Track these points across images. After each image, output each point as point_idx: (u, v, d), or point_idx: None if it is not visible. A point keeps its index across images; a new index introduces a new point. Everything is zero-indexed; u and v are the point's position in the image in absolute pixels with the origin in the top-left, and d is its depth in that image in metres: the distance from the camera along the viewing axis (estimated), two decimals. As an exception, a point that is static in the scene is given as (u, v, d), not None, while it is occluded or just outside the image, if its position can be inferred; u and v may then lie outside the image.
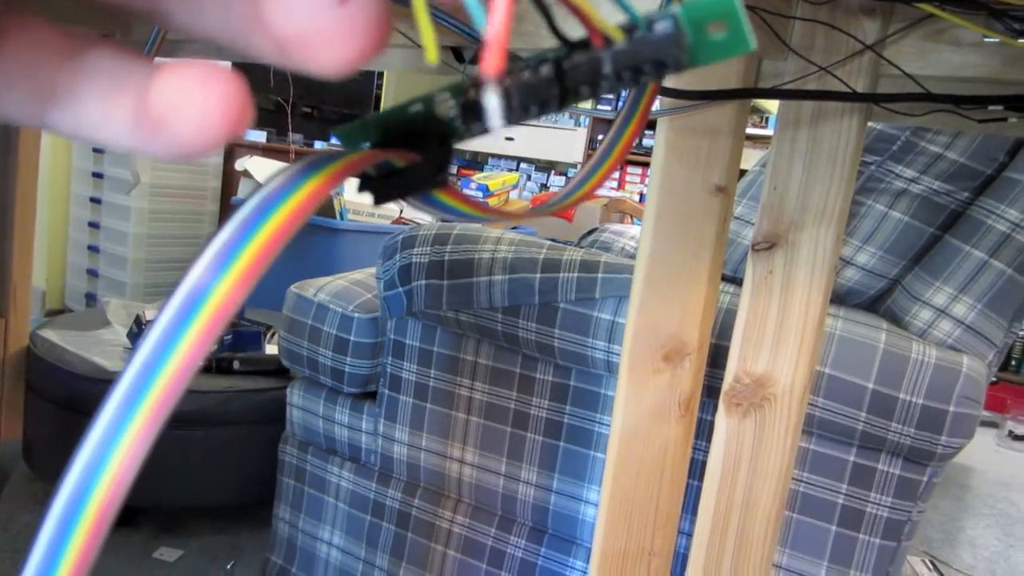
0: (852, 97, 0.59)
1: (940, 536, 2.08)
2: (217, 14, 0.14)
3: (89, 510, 0.13)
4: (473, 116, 0.16)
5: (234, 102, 0.14)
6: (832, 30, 0.63)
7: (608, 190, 4.82)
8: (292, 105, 3.47)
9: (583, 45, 0.15)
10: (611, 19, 0.15)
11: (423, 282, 1.08)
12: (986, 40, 0.63)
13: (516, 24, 0.65)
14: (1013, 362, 3.65)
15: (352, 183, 0.17)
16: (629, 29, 0.15)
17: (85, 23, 0.97)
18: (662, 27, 0.15)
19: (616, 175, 4.85)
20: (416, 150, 0.16)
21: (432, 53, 0.13)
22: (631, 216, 3.72)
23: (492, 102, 0.14)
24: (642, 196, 4.71)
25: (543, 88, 0.15)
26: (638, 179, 4.78)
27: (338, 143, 0.17)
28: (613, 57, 0.15)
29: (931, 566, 1.89)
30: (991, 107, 0.59)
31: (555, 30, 0.15)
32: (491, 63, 0.13)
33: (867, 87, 0.63)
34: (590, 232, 1.87)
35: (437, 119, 0.16)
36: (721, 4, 0.14)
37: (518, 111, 0.15)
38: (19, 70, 0.14)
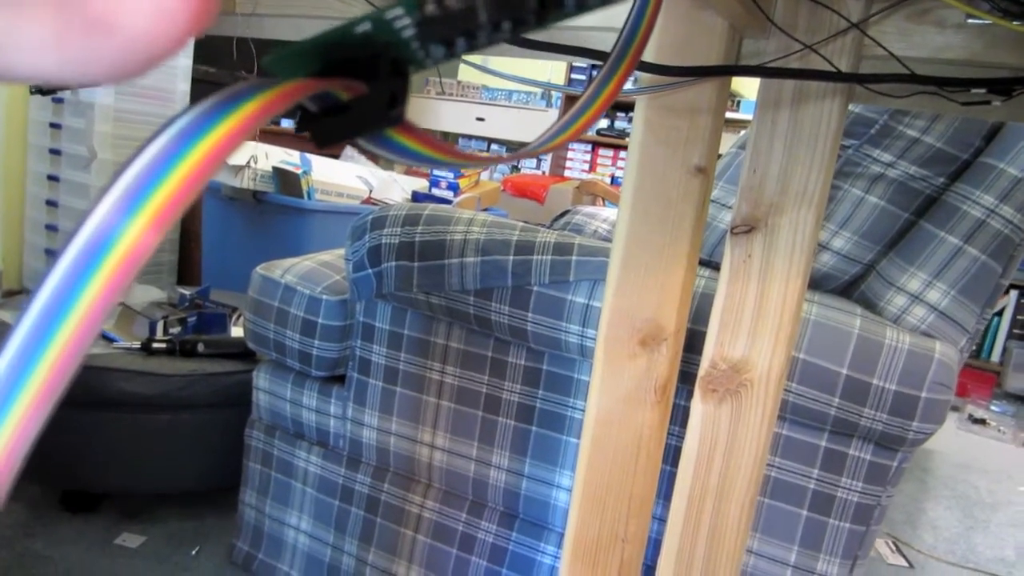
0: (836, 77, 0.57)
1: (902, 518, 2.11)
2: None
3: None
4: (434, 35, 0.13)
5: None
6: (816, 7, 0.61)
7: (580, 172, 4.81)
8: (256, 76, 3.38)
9: None
10: None
11: (393, 264, 1.05)
12: (969, 21, 0.62)
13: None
14: (974, 347, 3.72)
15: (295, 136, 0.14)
16: None
17: None
18: None
19: (588, 157, 4.83)
20: (365, 80, 0.14)
21: None
22: (603, 198, 3.71)
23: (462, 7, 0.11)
24: (614, 178, 4.71)
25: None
26: (610, 161, 4.77)
27: (271, 72, 0.14)
28: None
29: (894, 547, 1.92)
30: (974, 90, 0.59)
31: None
32: None
33: (850, 67, 0.62)
34: (562, 214, 1.86)
35: (389, 42, 0.14)
36: None
37: (489, 27, 0.13)
38: None
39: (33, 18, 0.11)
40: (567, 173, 4.85)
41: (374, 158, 3.19)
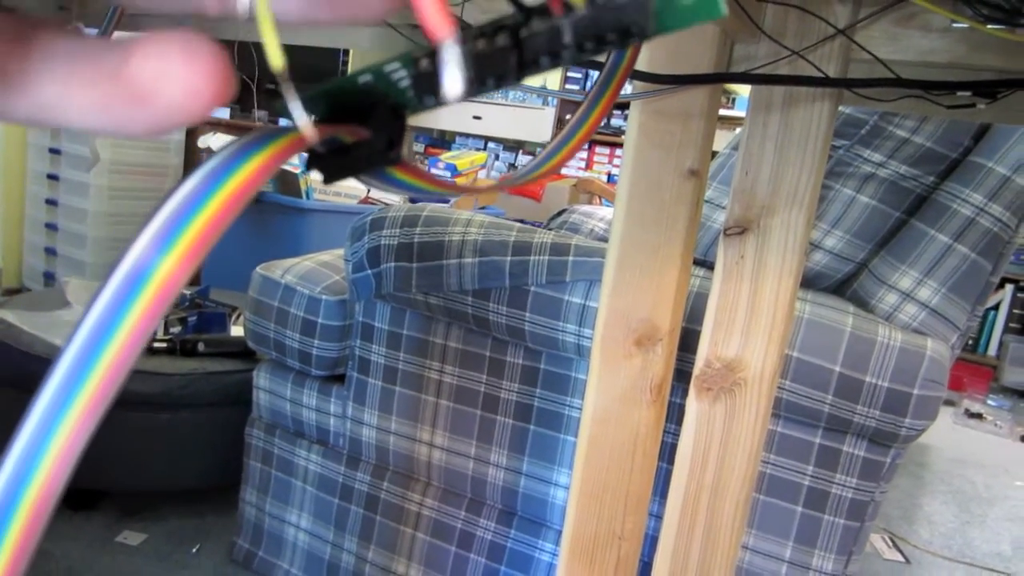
0: (824, 82, 0.59)
1: (898, 513, 2.13)
2: None
3: (25, 504, 0.12)
4: (426, 87, 0.15)
5: (217, 69, 0.13)
6: (804, 14, 0.62)
7: (576, 170, 4.82)
8: (257, 81, 3.40)
9: (542, 11, 0.14)
10: None
11: (392, 264, 1.06)
12: (954, 25, 0.63)
13: None
14: (970, 341, 3.74)
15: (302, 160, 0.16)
16: None
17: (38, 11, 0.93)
18: None
19: (584, 155, 4.84)
20: (366, 125, 0.15)
21: (277, 61, 0.13)
22: (599, 196, 3.72)
23: (451, 68, 0.12)
24: (610, 176, 4.71)
25: (499, 58, 0.14)
26: (606, 159, 4.77)
27: (283, 116, 0.16)
28: (574, 24, 0.14)
29: (890, 543, 1.94)
30: (960, 93, 0.60)
31: None
32: (440, 24, 0.12)
33: (838, 72, 0.63)
34: (559, 213, 1.87)
35: (388, 91, 0.15)
36: None
37: (474, 83, 0.14)
38: None
39: (85, 86, 0.13)
40: (564, 171, 4.86)
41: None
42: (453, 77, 0.12)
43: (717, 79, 0.59)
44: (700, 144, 0.66)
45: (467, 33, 0.14)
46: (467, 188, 0.19)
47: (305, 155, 0.15)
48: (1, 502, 0.12)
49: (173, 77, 0.13)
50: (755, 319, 0.67)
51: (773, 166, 0.65)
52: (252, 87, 3.46)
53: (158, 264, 0.12)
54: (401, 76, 0.15)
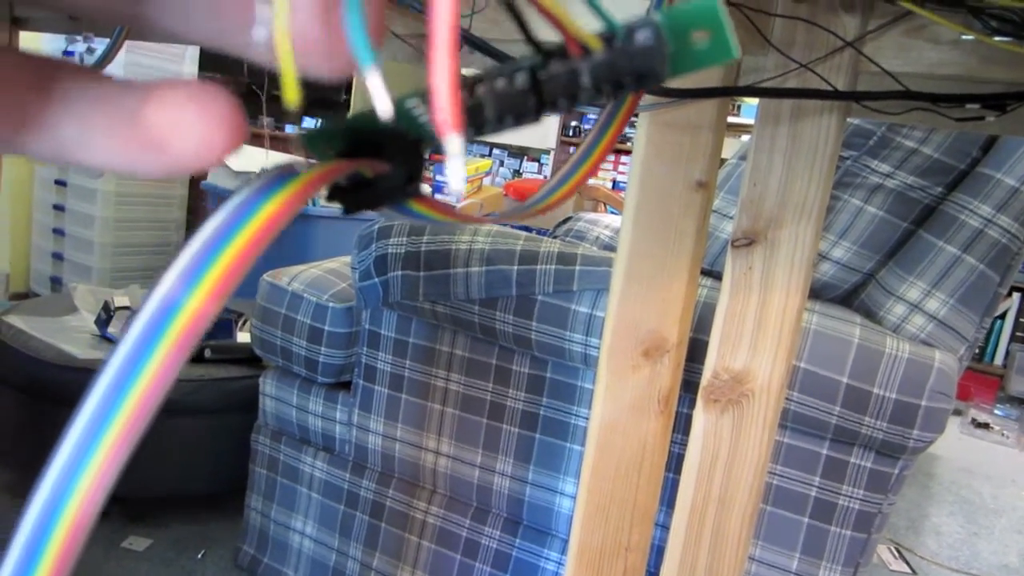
0: (832, 95, 0.59)
1: (905, 524, 2.12)
2: (206, 19, 0.13)
3: (59, 533, 0.12)
4: None
5: (231, 121, 0.13)
6: (813, 27, 0.63)
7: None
8: (265, 89, 3.41)
9: (560, 54, 0.14)
10: (589, 27, 0.14)
11: (399, 273, 1.07)
12: (963, 38, 0.63)
13: (490, 26, 0.64)
14: (977, 350, 3.73)
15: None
16: (608, 38, 0.14)
17: (51, 24, 0.94)
18: (643, 36, 0.14)
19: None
20: (386, 159, 0.16)
21: (292, 96, 0.13)
22: (604, 203, 3.72)
23: (453, 161, 0.13)
24: (615, 183, 4.72)
25: (518, 99, 0.14)
26: (611, 166, 4.78)
27: (306, 149, 0.16)
28: (591, 68, 0.14)
29: (897, 554, 1.93)
30: (968, 105, 0.60)
31: (529, 37, 0.14)
32: (447, 121, 0.12)
33: (847, 84, 0.63)
34: (564, 220, 1.87)
35: (407, 126, 0.16)
36: (705, 12, 0.14)
37: (493, 122, 0.15)
38: None
39: (102, 128, 0.14)
40: (568, 197, 4.85)
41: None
42: (455, 169, 0.13)
43: (725, 92, 0.59)
44: (708, 156, 0.66)
45: (488, 73, 0.14)
46: (478, 219, 0.19)
47: (326, 190, 0.15)
48: (36, 535, 0.12)
49: (187, 128, 0.13)
50: (763, 331, 0.67)
51: (781, 178, 0.65)
52: (260, 95, 3.47)
53: (186, 300, 0.12)
54: (420, 112, 0.15)
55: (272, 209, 0.13)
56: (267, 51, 0.13)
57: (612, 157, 4.78)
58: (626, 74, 0.14)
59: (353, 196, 0.16)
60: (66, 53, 2.69)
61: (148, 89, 0.14)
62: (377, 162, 0.16)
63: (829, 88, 0.59)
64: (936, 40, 0.64)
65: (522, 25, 0.14)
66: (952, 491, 2.42)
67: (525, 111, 0.14)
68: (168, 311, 0.12)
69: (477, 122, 0.15)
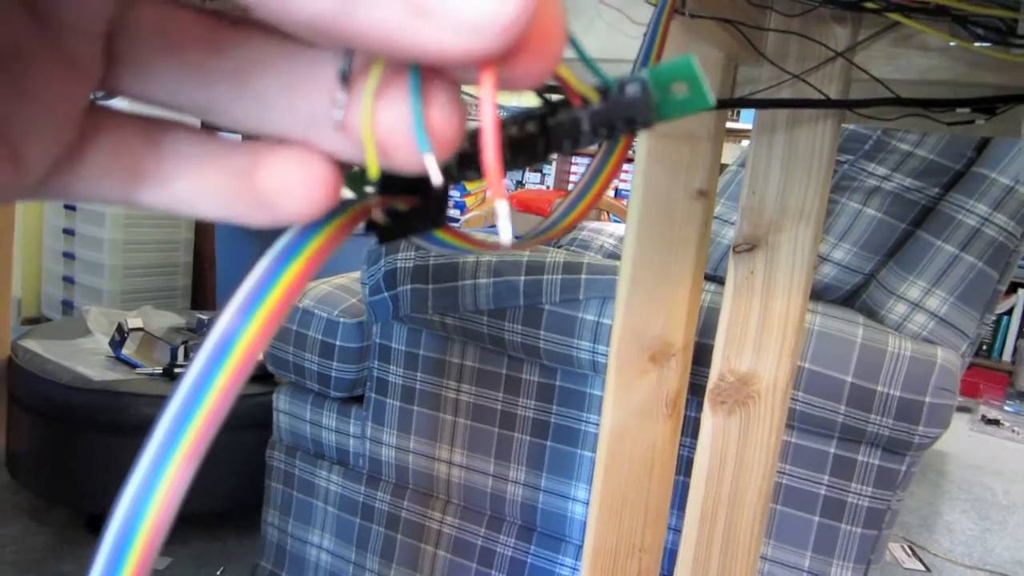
0: (825, 104, 0.61)
1: (917, 522, 2.12)
2: (284, 114, 0.15)
3: (133, 553, 0.14)
4: (466, 165, 0.17)
5: (331, 183, 0.15)
6: (805, 39, 0.65)
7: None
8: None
9: (564, 105, 0.17)
10: (587, 82, 0.17)
11: (408, 287, 1.09)
12: (952, 44, 0.65)
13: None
14: (984, 346, 3.73)
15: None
16: (604, 91, 0.17)
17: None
18: (632, 89, 0.16)
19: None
20: (417, 195, 0.18)
21: (374, 170, 0.15)
22: (607, 212, 3.74)
23: (503, 222, 0.15)
24: (617, 191, 4.74)
25: (529, 143, 0.17)
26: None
27: (346, 187, 0.19)
28: (591, 116, 0.17)
29: (909, 551, 1.93)
30: (959, 110, 0.62)
31: (539, 92, 0.17)
32: (497, 190, 0.15)
33: (840, 92, 0.65)
34: (570, 230, 1.88)
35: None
36: (682, 68, 0.16)
37: (508, 163, 0.17)
38: (108, 160, 0.15)
39: (213, 184, 0.16)
40: (571, 188, 4.88)
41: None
42: (505, 229, 0.15)
43: (722, 105, 0.61)
44: (708, 165, 0.68)
45: (504, 122, 0.17)
46: (497, 247, 0.21)
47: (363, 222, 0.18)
48: (115, 554, 0.14)
49: (295, 191, 0.15)
50: (766, 333, 0.69)
51: (779, 185, 0.67)
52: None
53: (243, 330, 0.14)
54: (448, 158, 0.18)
55: (317, 246, 0.15)
56: (340, 136, 0.15)
57: (614, 165, 4.80)
58: (619, 120, 0.17)
59: (387, 227, 0.18)
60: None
61: (257, 152, 0.15)
62: (409, 197, 0.18)
63: (822, 97, 0.61)
64: (925, 48, 0.66)
65: None
66: (964, 488, 2.42)
67: (535, 153, 0.17)
68: (228, 340, 0.14)
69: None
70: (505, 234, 0.15)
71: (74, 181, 0.16)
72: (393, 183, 0.18)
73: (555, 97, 0.17)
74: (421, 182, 0.18)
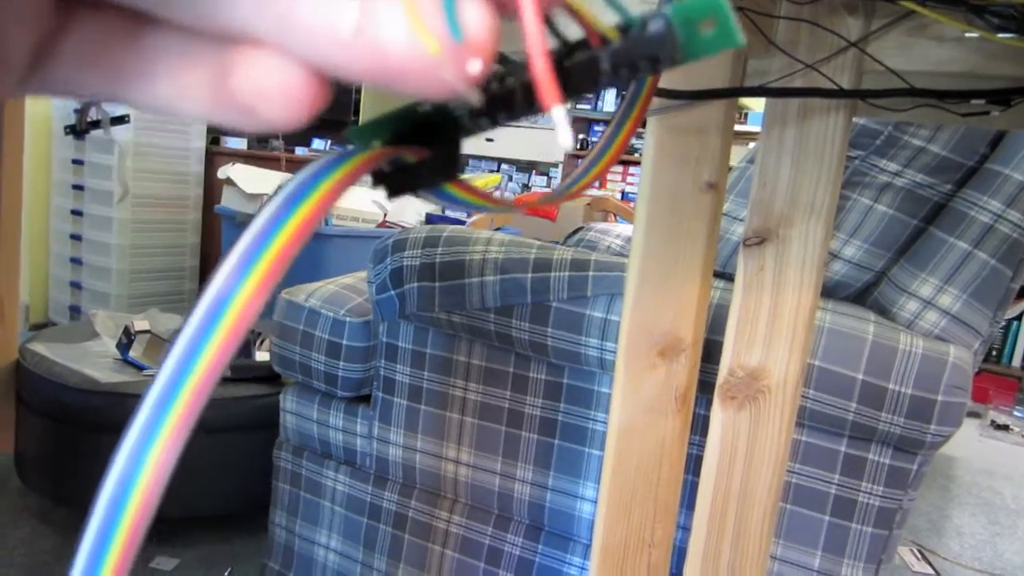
0: (838, 94, 0.60)
1: (927, 525, 2.10)
2: (253, 10, 0.14)
3: (126, 514, 0.13)
4: (482, 111, 0.17)
5: (313, 89, 0.14)
6: (816, 28, 0.64)
7: (590, 189, 4.84)
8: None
9: (582, 45, 0.16)
10: (607, 21, 0.16)
11: (415, 285, 1.08)
12: (967, 35, 0.65)
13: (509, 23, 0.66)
14: (994, 352, 3.71)
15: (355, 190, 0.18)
16: (624, 29, 0.16)
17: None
18: (655, 26, 0.15)
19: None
20: (427, 146, 0.17)
21: (434, 47, 0.14)
22: (614, 214, 3.73)
23: (563, 127, 0.14)
24: (624, 194, 4.74)
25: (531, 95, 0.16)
26: (619, 177, 4.80)
27: (351, 141, 0.18)
28: (611, 55, 0.16)
29: (919, 555, 1.91)
30: (973, 101, 0.61)
31: (555, 31, 0.16)
32: (551, 95, 0.14)
33: (852, 83, 0.65)
34: (575, 231, 1.88)
35: (446, 117, 0.17)
36: (710, 3, 0.15)
37: (522, 106, 0.16)
38: (88, 53, 0.15)
39: (193, 85, 0.15)
40: (595, 183, 4.88)
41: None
42: (564, 131, 0.14)
43: (733, 93, 0.61)
44: (717, 158, 0.67)
45: (518, 64, 0.16)
46: (509, 203, 0.21)
47: (370, 175, 0.17)
48: (110, 508, 0.13)
49: (271, 99, 0.14)
50: (777, 327, 0.68)
51: (790, 178, 0.67)
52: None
53: (238, 290, 0.13)
54: (456, 104, 0.17)
55: (322, 193, 0.14)
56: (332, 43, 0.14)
57: (620, 168, 4.81)
58: (641, 59, 0.16)
59: (396, 180, 0.17)
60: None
61: (230, 56, 0.14)
62: (419, 148, 0.17)
63: (835, 87, 0.60)
64: (939, 38, 0.65)
65: (548, 21, 0.16)
66: (973, 493, 2.40)
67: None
68: (223, 300, 0.13)
69: (506, 107, 0.16)
70: (565, 138, 0.14)
71: (55, 74, 0.15)
72: (401, 136, 0.17)
73: (573, 38, 0.16)
74: (432, 131, 0.17)
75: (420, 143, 0.17)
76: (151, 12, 0.15)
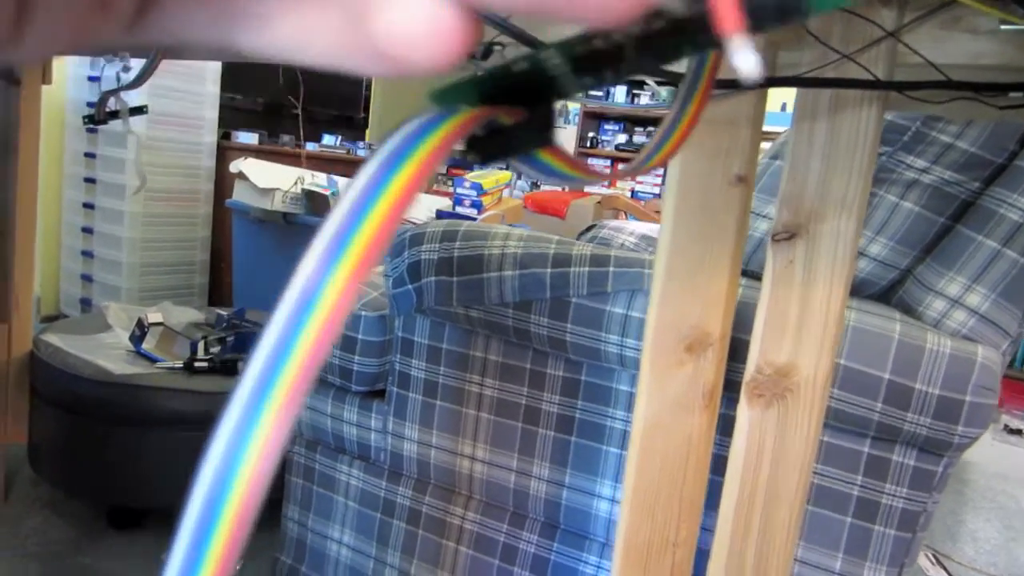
0: (874, 85, 0.59)
1: (942, 530, 2.08)
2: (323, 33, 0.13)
3: (225, 522, 0.12)
4: (586, 69, 0.16)
5: (464, 30, 0.13)
6: (851, 17, 0.63)
7: (600, 187, 4.83)
8: (283, 107, 3.46)
9: None
10: None
11: (432, 279, 1.08)
12: (1003, 27, 0.63)
13: None
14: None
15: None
16: None
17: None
18: None
19: (607, 172, 4.84)
20: (524, 107, 0.16)
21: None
22: (624, 212, 3.72)
23: (745, 54, 0.13)
24: (634, 192, 4.72)
25: (659, 39, 0.15)
26: (629, 176, 4.78)
27: (436, 104, 0.17)
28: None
29: (934, 560, 1.90)
30: (1012, 94, 0.60)
31: None
32: (731, 20, 0.12)
33: (886, 75, 0.63)
34: (588, 229, 1.87)
35: (544, 77, 0.16)
36: None
37: (633, 65, 0.15)
38: None
39: (324, 33, 0.13)
40: (587, 188, 4.87)
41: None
42: (748, 60, 0.13)
43: (767, 84, 0.60)
44: (747, 151, 0.66)
45: (645, 16, 0.15)
46: (599, 174, 0.20)
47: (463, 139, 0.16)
48: (205, 519, 0.12)
49: (419, 43, 0.13)
50: (806, 324, 0.67)
51: (821, 172, 0.66)
52: (280, 112, 3.52)
53: (327, 283, 0.12)
54: (556, 63, 0.16)
55: (422, 156, 0.13)
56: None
57: (631, 168, 4.78)
58: (768, 8, 0.14)
59: (489, 144, 0.16)
60: (91, 79, 2.74)
61: None
62: (516, 109, 0.16)
63: (872, 78, 0.59)
64: (975, 30, 0.64)
65: None
66: (988, 497, 2.38)
67: (664, 51, 0.15)
68: (310, 297, 0.12)
69: (614, 62, 0.15)
70: (748, 65, 0.13)
71: (164, 19, 0.14)
72: (489, 97, 0.16)
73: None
74: (525, 93, 0.16)
75: (515, 102, 0.16)
76: None
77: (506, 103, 0.16)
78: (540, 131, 0.16)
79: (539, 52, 0.16)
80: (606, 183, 4.80)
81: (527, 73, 0.16)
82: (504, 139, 0.16)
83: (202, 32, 0.14)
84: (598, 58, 0.15)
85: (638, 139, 4.81)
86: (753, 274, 0.99)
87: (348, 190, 0.13)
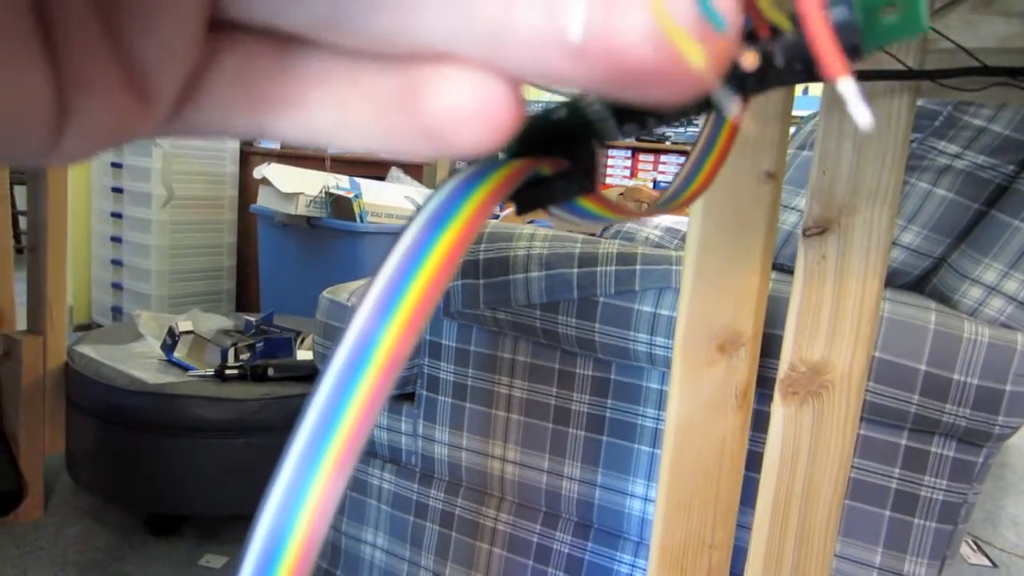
0: (906, 75, 0.57)
1: (982, 516, 2.05)
2: (450, 23, 0.12)
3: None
4: (629, 116, 0.15)
5: (510, 108, 0.13)
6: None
7: (621, 179, 4.80)
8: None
9: (749, 38, 0.14)
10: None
11: (459, 282, 1.07)
12: (1037, 9, 0.62)
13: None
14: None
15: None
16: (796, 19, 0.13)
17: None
18: (839, 13, 0.13)
19: (629, 163, 4.82)
20: (566, 156, 0.16)
21: (699, 56, 0.11)
22: (647, 204, 3.68)
23: (856, 103, 0.12)
24: (656, 183, 4.68)
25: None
26: (651, 166, 4.74)
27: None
28: (784, 48, 0.13)
29: (975, 547, 1.87)
30: (1048, 78, 0.58)
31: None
32: (838, 66, 0.12)
33: (917, 63, 0.62)
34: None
35: (584, 124, 0.16)
36: None
37: (678, 115, 0.15)
38: (234, 86, 0.13)
39: (366, 115, 0.13)
40: (608, 180, 4.84)
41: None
42: (860, 110, 0.12)
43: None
44: (776, 146, 0.65)
45: None
46: (635, 214, 0.19)
47: None
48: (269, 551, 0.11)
49: (469, 125, 0.12)
50: (840, 320, 0.66)
51: (852, 164, 0.64)
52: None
53: (383, 333, 0.11)
54: (596, 108, 0.15)
55: (468, 214, 0.12)
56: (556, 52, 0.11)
57: (652, 157, 4.75)
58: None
59: (528, 195, 0.16)
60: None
61: (420, 74, 0.13)
62: (558, 160, 0.15)
63: (903, 68, 0.58)
64: (1007, 13, 0.62)
65: None
66: (1028, 481, 2.34)
67: (706, 103, 0.14)
68: (365, 349, 0.11)
69: (661, 111, 0.14)
70: (863, 116, 0.12)
71: (200, 113, 0.13)
72: (528, 146, 0.16)
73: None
74: (566, 140, 0.16)
75: (552, 153, 0.16)
76: (318, 38, 0.13)
77: (545, 151, 0.15)
78: (581, 180, 0.16)
79: (579, 99, 0.15)
80: (627, 173, 4.77)
81: (566, 121, 0.16)
82: (545, 190, 0.16)
83: (240, 123, 0.13)
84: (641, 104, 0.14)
85: (658, 129, 4.78)
86: (782, 267, 0.97)
87: (390, 257, 0.12)
